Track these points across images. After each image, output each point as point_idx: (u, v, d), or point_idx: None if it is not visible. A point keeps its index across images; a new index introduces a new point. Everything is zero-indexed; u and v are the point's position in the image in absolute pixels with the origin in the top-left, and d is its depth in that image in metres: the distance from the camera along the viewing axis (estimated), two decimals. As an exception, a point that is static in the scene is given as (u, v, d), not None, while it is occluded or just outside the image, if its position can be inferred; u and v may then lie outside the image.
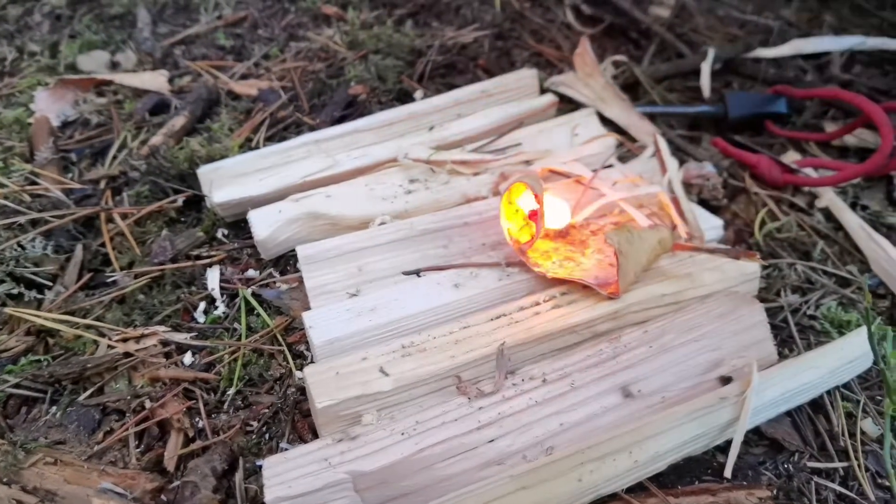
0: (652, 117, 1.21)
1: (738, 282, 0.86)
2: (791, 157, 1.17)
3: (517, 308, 0.79)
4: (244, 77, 1.34)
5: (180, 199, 1.05)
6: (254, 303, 0.89)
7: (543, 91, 1.19)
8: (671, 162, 0.99)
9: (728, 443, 0.72)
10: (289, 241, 0.94)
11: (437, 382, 0.71)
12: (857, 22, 1.63)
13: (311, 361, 0.81)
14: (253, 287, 0.92)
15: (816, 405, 0.80)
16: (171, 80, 1.34)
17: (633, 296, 0.80)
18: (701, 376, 0.77)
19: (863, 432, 0.77)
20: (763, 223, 1.05)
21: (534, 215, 0.85)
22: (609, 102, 1.19)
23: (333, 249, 0.88)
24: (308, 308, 0.86)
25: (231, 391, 0.79)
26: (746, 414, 0.71)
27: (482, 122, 1.07)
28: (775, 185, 1.11)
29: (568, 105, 1.23)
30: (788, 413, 0.78)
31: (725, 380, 0.77)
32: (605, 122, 1.18)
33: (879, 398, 0.81)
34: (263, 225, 0.93)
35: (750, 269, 0.86)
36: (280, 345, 0.84)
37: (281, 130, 1.19)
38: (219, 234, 1.01)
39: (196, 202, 1.06)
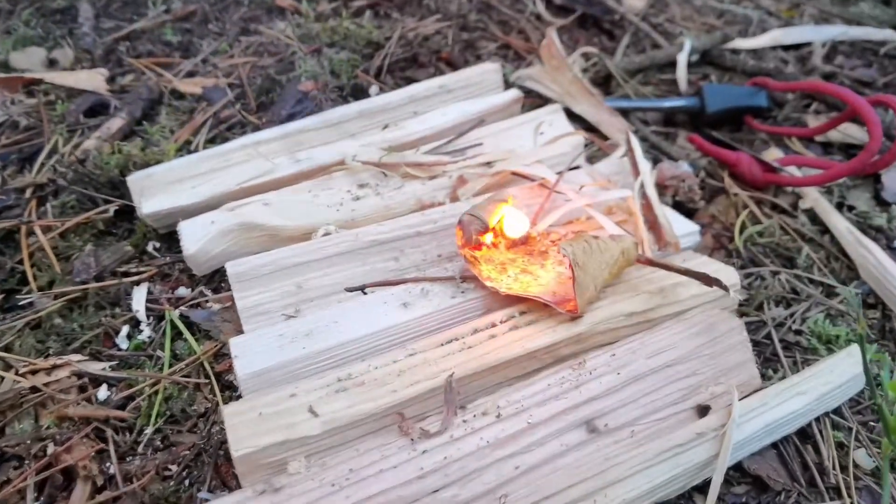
0: (624, 113, 1.13)
1: (717, 295, 0.78)
2: (773, 155, 1.10)
3: (471, 331, 0.71)
4: (190, 75, 1.24)
5: (112, 209, 0.95)
6: (181, 326, 0.80)
7: (508, 86, 1.10)
8: (644, 163, 0.91)
9: (707, 482, 0.65)
10: (222, 255, 0.85)
11: (375, 422, 0.63)
12: (837, 12, 1.55)
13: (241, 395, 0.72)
14: (182, 307, 0.83)
15: (804, 435, 0.72)
16: (112, 79, 1.24)
17: (599, 314, 0.72)
18: (675, 406, 0.69)
19: (855, 465, 0.69)
20: (743, 227, 0.97)
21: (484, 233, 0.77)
22: (577, 97, 1.11)
23: (269, 265, 0.79)
24: (241, 331, 0.77)
25: (149, 430, 0.70)
26: (727, 450, 0.64)
27: (440, 120, 0.98)
28: (756, 186, 1.04)
29: (536, 101, 1.15)
30: (774, 445, 0.71)
31: (703, 409, 0.69)
32: (574, 118, 1.10)
33: (873, 424, 0.73)
34: (194, 238, 0.84)
35: (730, 280, 0.78)
36: (207, 375, 0.75)
37: (224, 131, 1.10)
38: (150, 248, 0.92)
39: (129, 212, 0.97)
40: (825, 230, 0.99)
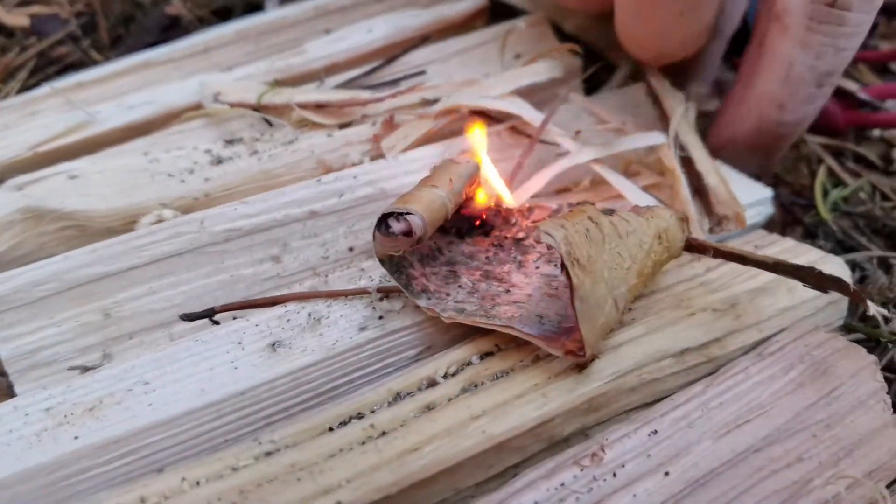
0: (636, 33, 0.80)
1: (816, 308, 0.46)
2: (845, 86, 0.77)
3: (388, 398, 0.38)
4: (26, 3, 0.89)
5: None
6: (-89, 387, 0.47)
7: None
8: (675, 95, 0.57)
9: None
10: (1, 261, 0.52)
11: None
12: None
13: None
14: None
15: None
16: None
17: (626, 357, 0.40)
18: (771, 522, 0.37)
19: None
20: (825, 190, 0.65)
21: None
22: (567, 9, 0.77)
23: (51, 280, 0.46)
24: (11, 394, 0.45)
25: None
26: None
27: (361, 38, 0.64)
28: (834, 129, 0.71)
29: (511, 19, 0.81)
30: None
31: (820, 524, 0.37)
32: (566, 39, 0.76)
33: None
34: (-50, 235, 0.51)
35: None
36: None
37: (54, 76, 0.75)
38: None
39: None
40: (939, 191, 0.67)
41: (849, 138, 0.72)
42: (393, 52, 0.63)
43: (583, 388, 0.38)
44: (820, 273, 0.40)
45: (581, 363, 0.38)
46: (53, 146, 0.56)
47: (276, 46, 0.66)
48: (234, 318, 0.45)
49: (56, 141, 0.56)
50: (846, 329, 0.52)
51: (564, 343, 0.37)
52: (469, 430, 0.35)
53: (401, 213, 0.40)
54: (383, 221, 0.41)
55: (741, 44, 0.82)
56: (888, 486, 0.41)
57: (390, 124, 0.56)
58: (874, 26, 0.94)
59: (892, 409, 0.42)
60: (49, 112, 0.60)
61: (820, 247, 0.58)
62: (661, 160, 0.53)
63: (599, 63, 0.67)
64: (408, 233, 0.40)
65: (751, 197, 0.54)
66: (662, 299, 0.44)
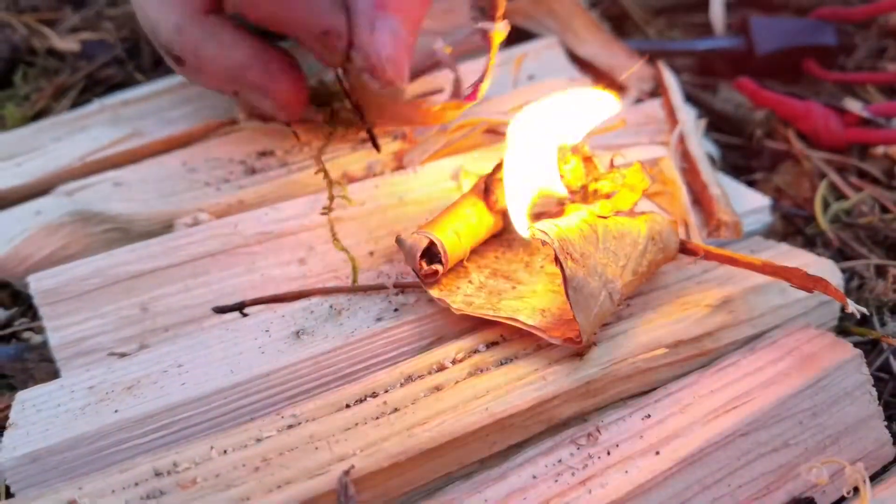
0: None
1: (807, 307, 0.49)
2: (851, 105, 0.80)
3: (400, 379, 0.41)
4: (76, 30, 0.96)
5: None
6: (-32, 372, 0.52)
7: (485, 22, 0.81)
8: (685, 109, 0.61)
9: None
10: (51, 259, 0.57)
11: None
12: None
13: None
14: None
15: None
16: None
17: (622, 346, 0.43)
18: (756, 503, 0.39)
19: None
20: (826, 203, 0.67)
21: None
22: (582, 35, 0.81)
23: (95, 276, 0.50)
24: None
25: None
26: None
27: (383, 62, 0.69)
28: (835, 145, 0.74)
29: (525, 42, 0.85)
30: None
31: (804, 505, 0.40)
32: (577, 62, 0.80)
33: None
34: (5, 235, 0.56)
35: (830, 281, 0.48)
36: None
37: (101, 95, 0.81)
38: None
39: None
40: (940, 205, 0.69)
41: (852, 155, 0.75)
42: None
43: (580, 373, 0.41)
44: (804, 274, 0.42)
45: (579, 350, 0.41)
46: (100, 156, 0.61)
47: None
48: (254, 312, 0.49)
49: (103, 152, 0.61)
50: (842, 332, 0.54)
51: (563, 331, 0.41)
52: (473, 408, 0.39)
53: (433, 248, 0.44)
54: (419, 248, 0.44)
55: (745, 65, 0.86)
56: (876, 475, 0.43)
57: (409, 140, 0.60)
58: (883, 49, 0.97)
59: (878, 402, 0.44)
60: (97, 126, 0.65)
61: (818, 255, 0.61)
62: (661, 170, 0.56)
63: (607, 82, 0.71)
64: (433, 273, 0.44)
65: (749, 205, 0.57)
66: (660, 296, 0.47)
